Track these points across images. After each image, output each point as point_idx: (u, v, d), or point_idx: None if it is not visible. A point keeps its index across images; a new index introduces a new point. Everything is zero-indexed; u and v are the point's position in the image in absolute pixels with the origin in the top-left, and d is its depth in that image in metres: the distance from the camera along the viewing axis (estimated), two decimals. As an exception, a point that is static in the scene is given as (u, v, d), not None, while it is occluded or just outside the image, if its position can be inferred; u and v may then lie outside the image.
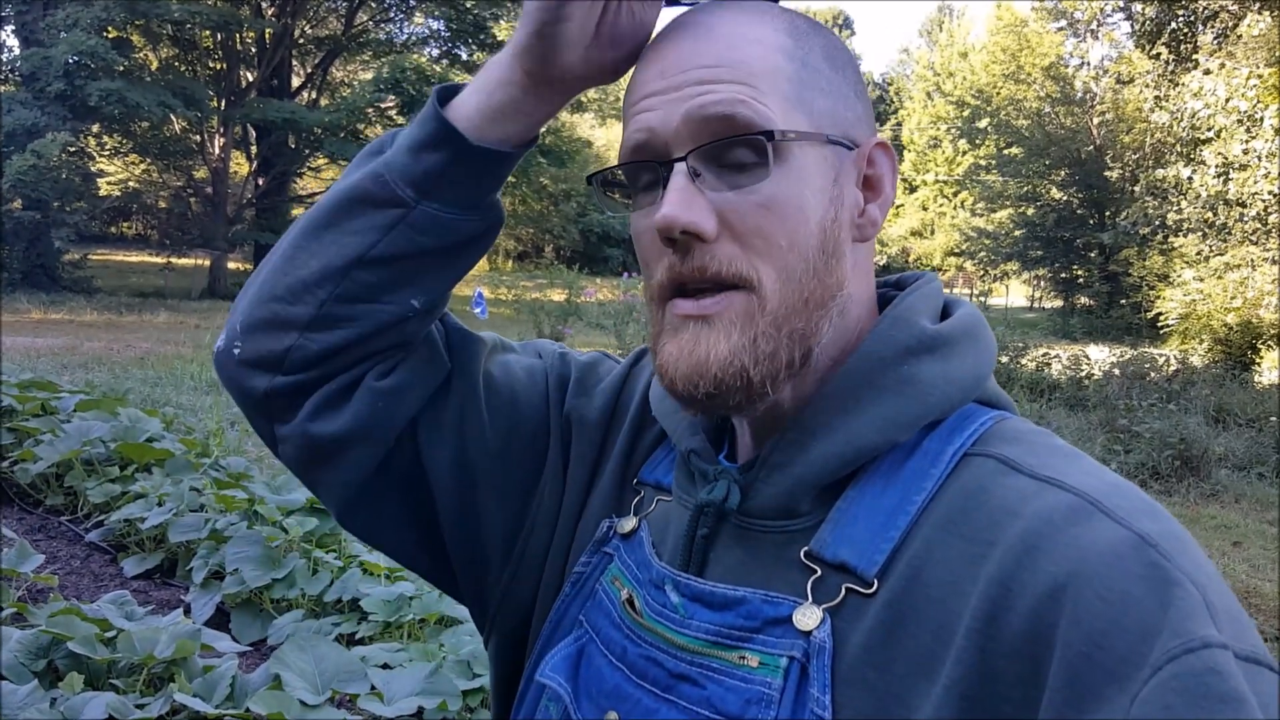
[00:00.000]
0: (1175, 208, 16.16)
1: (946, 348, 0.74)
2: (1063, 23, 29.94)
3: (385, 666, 3.16)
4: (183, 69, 22.88)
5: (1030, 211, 29.85)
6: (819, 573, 0.70)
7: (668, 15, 0.80)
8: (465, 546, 0.92)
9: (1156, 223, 17.88)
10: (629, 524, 0.85)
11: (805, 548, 0.71)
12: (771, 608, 0.70)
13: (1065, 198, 29.35)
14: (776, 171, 0.70)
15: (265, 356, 0.83)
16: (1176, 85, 15.85)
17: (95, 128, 20.86)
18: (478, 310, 17.26)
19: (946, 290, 0.82)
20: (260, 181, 23.83)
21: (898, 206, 46.84)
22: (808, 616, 0.68)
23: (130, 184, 25.98)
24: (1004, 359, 12.73)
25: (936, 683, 0.61)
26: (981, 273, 34.47)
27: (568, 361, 0.98)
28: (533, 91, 0.81)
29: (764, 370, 0.70)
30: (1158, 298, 19.87)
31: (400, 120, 22.04)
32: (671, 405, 0.84)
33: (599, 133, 38.60)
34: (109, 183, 25.46)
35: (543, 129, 0.88)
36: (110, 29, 18.71)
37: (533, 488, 0.92)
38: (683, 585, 0.75)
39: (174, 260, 23.99)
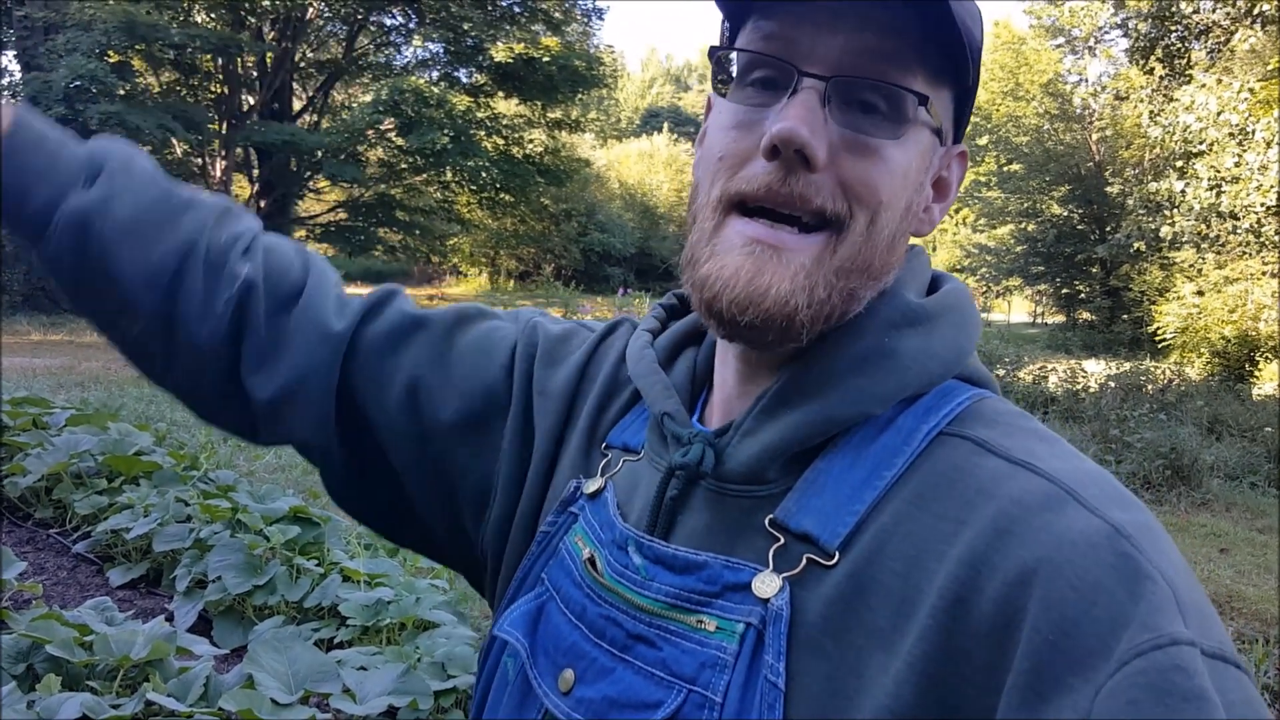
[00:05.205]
0: (1169, 221, 16.21)
1: (929, 322, 0.73)
2: (1060, 40, 30.08)
3: (362, 669, 3.18)
4: (184, 93, 23.00)
5: (1031, 227, 29.87)
6: (782, 541, 0.69)
7: None
8: (444, 519, 0.98)
9: (1149, 237, 17.94)
10: (595, 484, 0.84)
11: (770, 515, 0.70)
12: (732, 573, 0.69)
13: (1065, 213, 29.38)
14: (904, 135, 0.70)
15: None
16: (1171, 100, 15.92)
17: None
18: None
19: None
20: (262, 204, 23.89)
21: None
22: (767, 584, 0.67)
23: (133, 208, 26.04)
24: (1000, 372, 12.81)
25: (897, 656, 0.61)
26: (984, 289, 34.47)
27: (538, 331, 0.97)
28: None
29: (811, 315, 0.69)
30: (1158, 313, 19.89)
31: (400, 142, 22.17)
32: (647, 368, 0.84)
33: (599, 154, 38.74)
34: (112, 206, 25.52)
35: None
36: (111, 53, 18.84)
37: (496, 456, 0.93)
38: (645, 547, 0.75)
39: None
